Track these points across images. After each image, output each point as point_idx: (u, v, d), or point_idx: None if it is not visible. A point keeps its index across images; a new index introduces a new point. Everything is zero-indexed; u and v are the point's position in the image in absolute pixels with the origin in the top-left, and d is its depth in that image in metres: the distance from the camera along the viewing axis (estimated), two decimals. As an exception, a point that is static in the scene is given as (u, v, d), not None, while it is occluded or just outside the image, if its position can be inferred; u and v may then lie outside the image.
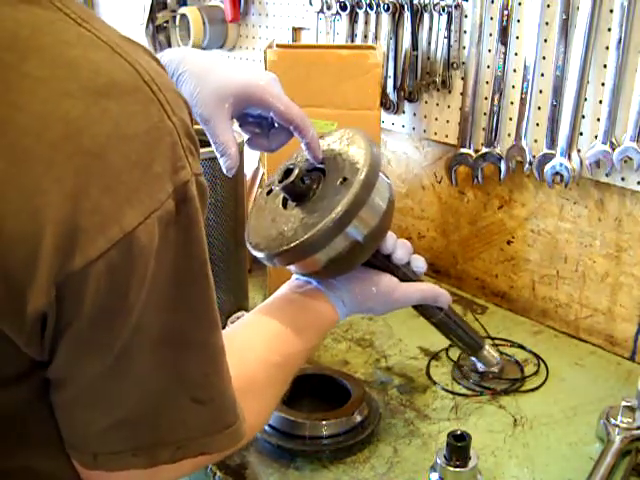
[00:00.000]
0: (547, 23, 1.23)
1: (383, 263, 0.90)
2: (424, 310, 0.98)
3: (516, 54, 1.30)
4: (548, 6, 1.22)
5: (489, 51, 1.33)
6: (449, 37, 1.38)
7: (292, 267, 0.87)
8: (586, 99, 1.20)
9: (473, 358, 1.09)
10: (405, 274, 0.92)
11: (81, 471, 0.58)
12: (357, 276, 0.88)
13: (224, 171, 0.85)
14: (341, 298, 0.87)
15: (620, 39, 1.12)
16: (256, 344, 0.79)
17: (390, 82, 1.49)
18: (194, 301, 0.56)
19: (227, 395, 0.62)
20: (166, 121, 0.51)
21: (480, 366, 1.10)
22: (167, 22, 1.96)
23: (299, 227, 0.81)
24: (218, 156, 0.84)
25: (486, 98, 1.35)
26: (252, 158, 1.57)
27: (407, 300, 0.92)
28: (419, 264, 0.93)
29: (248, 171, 1.54)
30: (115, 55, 0.51)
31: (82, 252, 0.47)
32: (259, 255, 0.85)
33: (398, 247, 0.90)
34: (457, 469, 0.86)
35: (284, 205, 0.87)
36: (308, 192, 0.84)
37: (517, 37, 1.29)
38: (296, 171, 0.83)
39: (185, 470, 0.63)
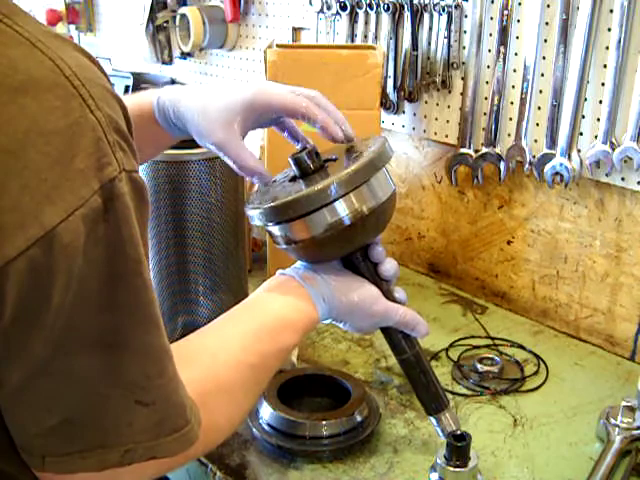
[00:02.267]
0: (547, 23, 1.23)
1: (369, 271, 0.87)
2: (395, 342, 0.91)
3: (516, 54, 1.30)
4: (548, 6, 1.22)
5: (489, 51, 1.33)
6: (449, 37, 1.38)
7: (279, 236, 0.84)
8: (586, 99, 1.20)
9: (430, 418, 0.95)
10: (388, 291, 0.88)
11: (38, 474, 0.58)
12: (341, 276, 0.86)
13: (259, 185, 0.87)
14: (322, 295, 0.83)
15: (620, 39, 1.12)
16: (230, 344, 0.77)
17: (390, 82, 1.49)
18: (130, 301, 0.54)
19: (174, 398, 0.60)
20: (88, 116, 0.50)
21: (437, 429, 0.95)
22: (167, 22, 1.97)
23: (294, 192, 0.81)
24: (247, 178, 0.87)
25: (486, 98, 1.35)
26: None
27: (386, 316, 0.87)
28: (402, 295, 0.90)
29: (248, 171, 1.54)
30: (35, 50, 0.50)
31: (1, 251, 0.46)
32: (250, 213, 0.83)
33: (387, 261, 0.87)
34: (457, 469, 0.86)
35: (292, 180, 0.87)
36: (316, 169, 0.85)
37: (517, 37, 1.29)
38: (309, 147, 0.86)
39: (146, 474, 0.62)
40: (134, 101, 0.88)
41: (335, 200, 0.80)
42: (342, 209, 0.81)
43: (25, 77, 0.49)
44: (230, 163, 0.85)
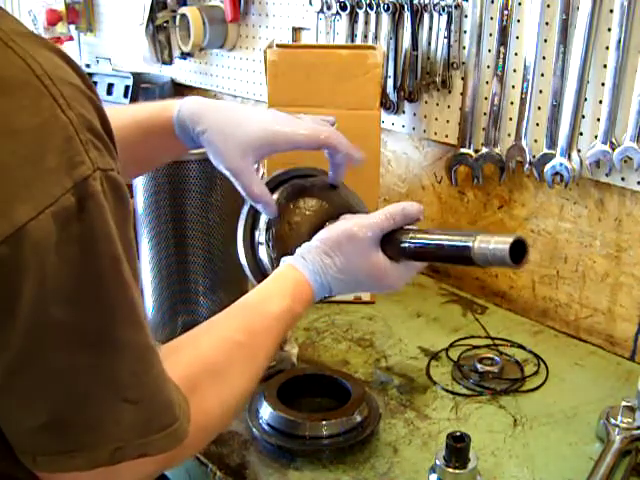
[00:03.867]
0: (547, 23, 1.23)
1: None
2: (394, 244, 0.85)
3: (516, 54, 1.30)
4: (548, 6, 1.22)
5: (489, 51, 1.33)
6: (449, 37, 1.38)
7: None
8: (586, 99, 1.20)
9: (478, 258, 0.77)
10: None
11: (37, 474, 0.58)
12: (321, 231, 0.87)
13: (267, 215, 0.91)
14: (300, 254, 0.84)
15: (620, 39, 1.12)
16: (214, 326, 0.77)
17: (390, 82, 1.49)
18: (108, 299, 0.54)
19: (161, 396, 0.60)
20: (59, 115, 0.51)
21: (492, 256, 0.75)
22: (167, 22, 1.96)
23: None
24: (256, 206, 0.91)
25: (486, 98, 1.35)
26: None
27: (370, 227, 0.84)
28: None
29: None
30: (7, 50, 0.50)
31: None
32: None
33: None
34: (456, 470, 0.86)
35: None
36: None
37: (517, 37, 1.29)
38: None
39: (146, 471, 0.62)
40: (154, 110, 0.91)
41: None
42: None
43: None
44: (240, 189, 0.89)
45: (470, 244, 0.77)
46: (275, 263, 0.92)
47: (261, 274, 0.95)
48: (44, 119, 0.50)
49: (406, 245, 0.85)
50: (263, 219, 0.92)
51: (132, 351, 0.57)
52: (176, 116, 0.90)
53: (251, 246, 0.94)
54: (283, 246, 0.90)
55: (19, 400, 0.54)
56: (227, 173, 0.88)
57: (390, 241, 0.86)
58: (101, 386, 0.56)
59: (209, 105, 0.90)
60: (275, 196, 0.92)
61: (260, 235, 0.93)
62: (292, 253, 0.88)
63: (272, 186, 0.95)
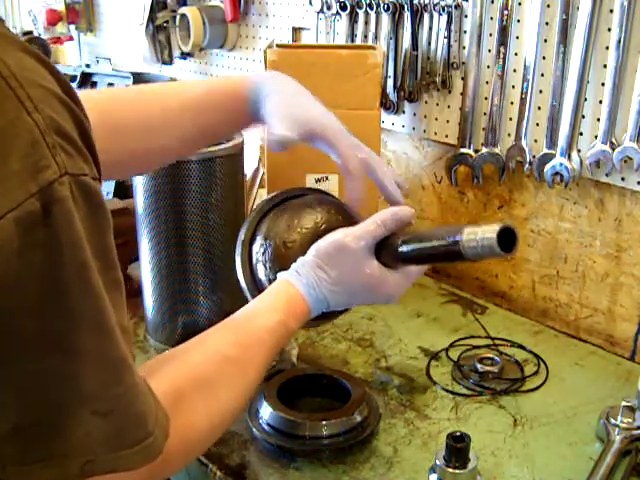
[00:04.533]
0: (547, 23, 1.23)
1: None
2: (387, 249, 0.84)
3: (516, 54, 1.30)
4: (548, 6, 1.22)
5: (489, 51, 1.33)
6: (449, 37, 1.38)
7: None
8: (586, 99, 1.20)
9: (464, 253, 0.76)
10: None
11: None
12: (313, 245, 0.87)
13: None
14: (295, 268, 0.84)
15: (620, 39, 1.12)
16: (203, 340, 0.76)
17: (390, 82, 1.49)
18: (75, 308, 0.53)
19: (133, 409, 0.58)
20: (25, 117, 0.49)
21: (481, 248, 0.74)
22: (167, 22, 1.96)
23: None
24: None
25: (486, 98, 1.35)
26: (252, 158, 1.57)
27: (362, 238, 0.83)
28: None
29: (248, 171, 1.54)
30: None
31: None
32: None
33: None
34: (456, 471, 0.86)
35: None
36: None
37: (517, 37, 1.29)
38: None
39: None
40: (227, 88, 0.94)
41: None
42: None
43: None
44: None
45: (458, 237, 0.76)
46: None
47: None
48: (8, 121, 0.49)
49: (400, 249, 0.83)
50: (259, 241, 0.94)
51: (99, 361, 0.55)
52: (250, 97, 0.93)
53: (250, 267, 0.95)
54: (280, 266, 0.90)
55: None
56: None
57: (384, 248, 0.85)
58: (67, 395, 0.54)
59: (276, 83, 0.95)
60: (268, 222, 0.94)
61: (258, 255, 0.94)
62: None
63: (266, 209, 0.97)
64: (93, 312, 0.54)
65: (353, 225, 0.89)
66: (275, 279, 0.88)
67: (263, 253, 0.93)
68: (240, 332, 0.78)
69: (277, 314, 0.80)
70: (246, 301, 1.16)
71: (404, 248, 0.83)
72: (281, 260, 0.91)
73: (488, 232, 0.73)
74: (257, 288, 0.94)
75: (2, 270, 0.48)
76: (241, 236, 0.96)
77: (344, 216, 0.95)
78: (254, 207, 0.99)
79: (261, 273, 0.93)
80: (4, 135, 0.48)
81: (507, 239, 0.73)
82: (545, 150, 1.26)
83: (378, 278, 0.84)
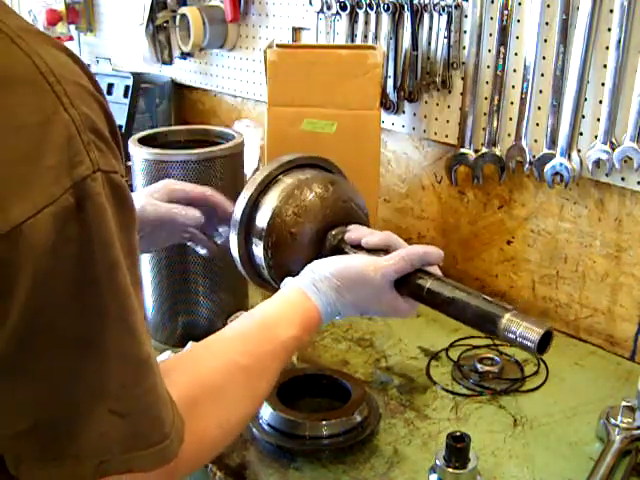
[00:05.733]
0: (547, 23, 1.23)
1: (358, 250, 0.89)
2: (410, 287, 0.83)
3: (516, 54, 1.30)
4: (548, 6, 1.22)
5: (489, 51, 1.33)
6: (449, 37, 1.38)
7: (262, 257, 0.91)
8: (586, 99, 1.20)
9: (507, 334, 0.75)
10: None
11: None
12: (333, 260, 0.86)
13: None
14: (313, 282, 0.83)
15: (620, 39, 1.12)
16: (217, 347, 0.76)
17: (390, 82, 1.49)
18: (102, 306, 0.53)
19: (151, 411, 0.58)
20: (62, 113, 0.50)
21: (521, 340, 0.74)
22: (167, 22, 1.96)
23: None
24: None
25: (486, 98, 1.35)
26: (252, 158, 1.57)
27: (386, 272, 0.82)
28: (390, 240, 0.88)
29: (248, 171, 1.54)
30: (13, 46, 0.50)
31: None
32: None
33: (372, 235, 0.88)
34: (456, 471, 0.86)
35: None
36: None
37: (517, 37, 1.29)
38: None
39: None
40: None
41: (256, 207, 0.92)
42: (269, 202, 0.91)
43: (3, 72, 0.49)
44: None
45: (497, 322, 0.76)
46: (274, 271, 0.91)
47: (254, 271, 0.95)
48: (46, 117, 0.49)
49: (424, 293, 0.83)
50: (263, 221, 0.91)
51: (121, 361, 0.56)
52: None
53: (245, 240, 0.93)
54: (282, 255, 0.89)
55: (5, 402, 0.53)
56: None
57: (407, 283, 0.84)
58: (87, 394, 0.54)
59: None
60: (275, 203, 0.91)
61: (257, 236, 0.92)
62: (292, 264, 0.88)
63: (274, 175, 0.93)
64: (121, 311, 0.55)
65: (360, 219, 0.90)
66: (275, 267, 0.88)
67: (267, 236, 0.90)
68: (254, 342, 0.77)
69: (293, 328, 0.80)
70: (244, 301, 1.16)
71: (428, 294, 0.83)
72: (284, 249, 0.90)
73: (531, 334, 0.74)
74: (251, 262, 0.93)
75: (36, 265, 0.49)
76: (241, 206, 0.93)
77: (351, 207, 0.93)
78: (258, 170, 0.97)
79: (258, 252, 0.91)
80: (42, 130, 0.49)
81: (543, 339, 0.74)
82: (545, 150, 1.26)
83: (393, 307, 0.86)
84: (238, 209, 0.92)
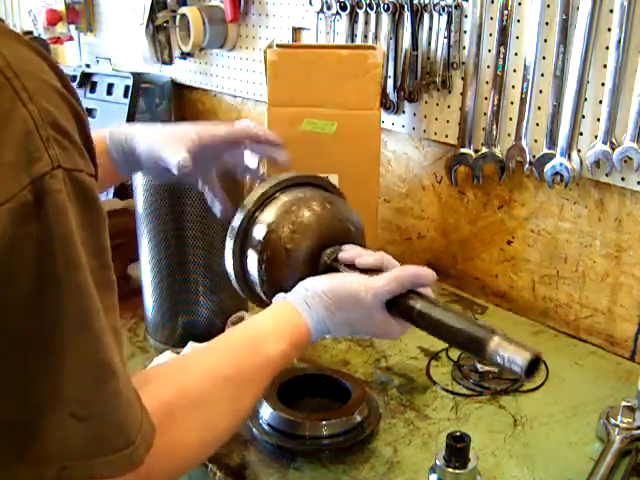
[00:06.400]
0: (547, 23, 1.23)
1: (350, 269, 0.87)
2: (401, 309, 0.83)
3: (516, 54, 1.30)
4: (548, 6, 1.22)
5: (489, 51, 1.33)
6: (449, 37, 1.38)
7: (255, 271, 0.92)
8: (586, 99, 1.20)
9: (496, 359, 0.76)
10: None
11: None
12: (325, 278, 0.84)
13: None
14: (304, 299, 0.82)
15: (620, 39, 1.12)
16: (203, 357, 0.75)
17: (390, 82, 1.49)
18: (62, 307, 0.52)
19: (114, 416, 0.57)
20: (20, 109, 0.49)
21: (509, 366, 0.75)
22: (167, 22, 1.96)
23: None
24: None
25: (486, 98, 1.35)
26: (252, 158, 1.57)
27: (377, 292, 0.80)
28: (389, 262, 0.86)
29: (248, 171, 1.54)
30: None
31: None
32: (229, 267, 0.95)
33: (365, 255, 0.86)
34: (456, 471, 0.86)
35: None
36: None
37: (517, 37, 1.29)
38: None
39: None
40: None
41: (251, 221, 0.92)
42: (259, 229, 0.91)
43: None
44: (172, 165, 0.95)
45: (485, 345, 0.76)
46: (267, 287, 0.91)
47: (247, 286, 0.96)
48: (3, 112, 0.48)
49: (415, 315, 0.82)
50: (259, 235, 0.91)
51: (82, 364, 0.54)
52: (109, 135, 0.97)
53: (240, 255, 0.93)
54: (276, 270, 0.90)
55: None
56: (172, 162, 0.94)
57: (398, 305, 0.83)
58: (46, 396, 0.53)
59: (138, 126, 1.02)
60: (271, 218, 0.91)
61: (252, 251, 0.92)
62: (285, 280, 0.88)
63: (270, 194, 0.94)
64: (81, 313, 0.53)
65: (355, 239, 0.91)
66: (269, 282, 0.88)
67: (261, 251, 0.91)
68: (241, 355, 0.76)
69: (282, 343, 0.79)
70: (244, 301, 1.16)
71: (418, 317, 0.82)
72: (278, 265, 0.90)
73: (519, 359, 0.74)
74: (244, 276, 0.94)
75: None
76: (237, 221, 0.93)
77: (347, 226, 0.93)
78: (256, 186, 0.96)
79: (252, 266, 0.92)
80: None
81: (532, 364, 0.74)
82: (545, 150, 1.26)
83: (384, 328, 0.84)
84: (235, 223, 0.93)
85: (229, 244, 0.93)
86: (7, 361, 0.51)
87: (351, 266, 0.87)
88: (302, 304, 0.82)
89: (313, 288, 0.83)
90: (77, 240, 0.52)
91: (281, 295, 0.86)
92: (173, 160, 0.94)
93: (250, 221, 0.93)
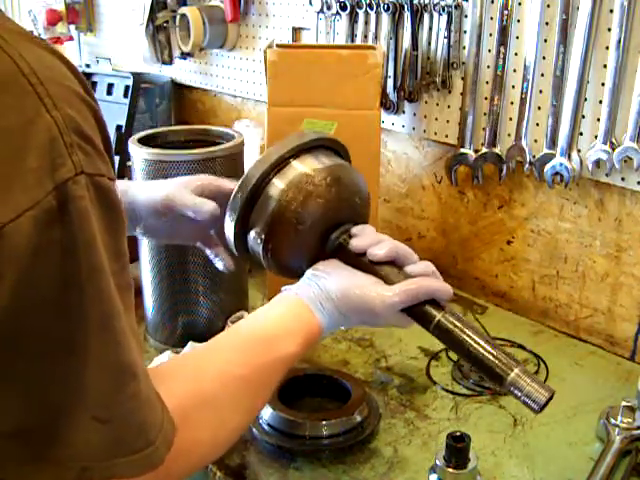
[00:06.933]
0: (547, 23, 1.23)
1: (359, 261, 0.83)
2: (419, 316, 0.81)
3: (516, 54, 1.30)
4: (548, 6, 1.22)
5: (489, 51, 1.33)
6: (449, 37, 1.38)
7: (254, 248, 0.85)
8: (586, 99, 1.20)
9: (512, 390, 0.76)
10: (393, 275, 0.81)
11: None
12: (338, 276, 0.82)
13: None
14: (318, 300, 0.80)
15: (620, 39, 1.12)
16: (216, 356, 0.75)
17: (390, 82, 1.49)
18: (85, 311, 0.52)
19: (135, 417, 0.58)
20: (44, 115, 0.49)
21: (525, 401, 0.76)
22: (167, 22, 1.96)
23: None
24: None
25: (486, 98, 1.35)
26: (252, 158, 1.57)
27: (392, 304, 0.78)
28: (416, 268, 0.81)
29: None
30: None
31: None
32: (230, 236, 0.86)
33: (377, 245, 0.82)
34: (456, 471, 0.86)
35: None
36: None
37: (517, 37, 1.29)
38: None
39: None
40: None
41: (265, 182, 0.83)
42: (275, 189, 0.82)
43: None
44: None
45: (505, 377, 0.76)
46: (271, 262, 0.86)
47: (245, 251, 0.88)
48: (28, 118, 0.49)
49: (431, 328, 0.80)
50: (268, 209, 0.83)
51: (104, 367, 0.55)
52: None
53: (244, 221, 0.85)
54: (284, 247, 0.85)
55: None
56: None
57: (413, 313, 0.81)
58: (69, 399, 0.54)
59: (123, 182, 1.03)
60: (281, 184, 0.83)
61: (258, 225, 0.84)
62: (293, 258, 0.85)
63: (289, 155, 0.85)
64: (103, 316, 0.54)
65: (362, 218, 0.87)
66: (274, 258, 0.84)
67: (269, 225, 0.83)
68: (256, 353, 0.76)
69: (295, 345, 0.78)
70: (245, 301, 1.14)
71: (435, 329, 0.80)
72: (285, 241, 0.84)
73: (537, 396, 0.75)
74: (244, 245, 0.87)
75: (18, 269, 0.48)
76: (249, 184, 0.83)
77: (357, 204, 0.88)
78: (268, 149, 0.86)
79: (254, 241, 0.85)
80: (23, 132, 0.48)
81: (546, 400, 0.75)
82: (545, 150, 1.26)
83: (396, 323, 0.83)
84: (246, 185, 0.84)
85: (232, 213, 0.86)
86: (31, 364, 0.52)
87: (362, 255, 0.83)
88: (316, 304, 0.81)
89: (326, 288, 0.81)
90: (100, 245, 0.52)
91: (291, 289, 0.83)
92: (205, 207, 0.95)
93: (259, 189, 0.84)
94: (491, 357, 0.77)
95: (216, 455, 0.73)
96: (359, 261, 0.83)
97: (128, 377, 0.57)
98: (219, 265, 1.03)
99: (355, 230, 0.85)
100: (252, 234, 0.85)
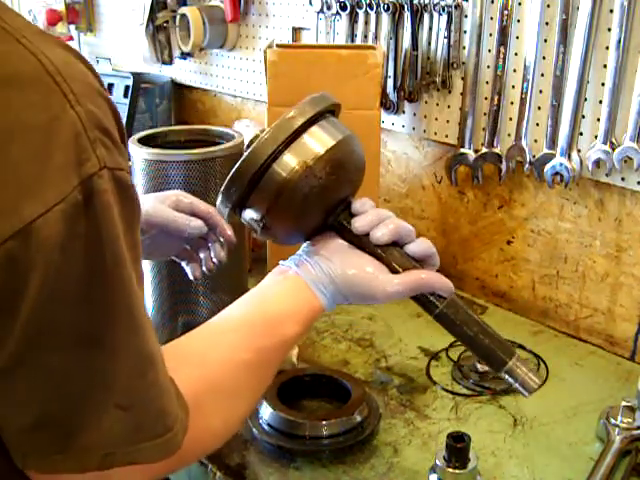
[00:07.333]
0: (547, 23, 1.23)
1: (363, 242, 0.82)
2: (421, 303, 0.82)
3: (516, 54, 1.30)
4: (548, 6, 1.22)
5: (489, 51, 1.33)
6: (449, 37, 1.38)
7: (252, 219, 0.81)
8: (586, 99, 1.20)
9: (507, 377, 0.81)
10: (394, 259, 0.82)
11: (27, 473, 0.57)
12: (338, 254, 0.81)
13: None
14: (320, 281, 0.79)
15: (620, 39, 1.12)
16: (222, 341, 0.76)
17: (390, 82, 1.49)
18: (110, 302, 0.54)
19: (155, 404, 0.59)
20: (69, 111, 0.50)
21: (517, 387, 0.81)
22: (167, 22, 1.96)
23: None
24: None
25: (486, 98, 1.35)
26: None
27: (394, 294, 0.79)
28: (421, 248, 0.84)
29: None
30: (19, 46, 0.51)
31: None
32: (221, 208, 0.82)
33: (379, 227, 0.82)
34: (456, 470, 0.86)
35: None
36: None
37: (517, 37, 1.29)
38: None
39: (137, 477, 0.61)
40: None
41: (276, 155, 0.78)
42: (285, 164, 0.78)
43: (12, 71, 0.49)
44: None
45: (502, 365, 0.80)
46: (267, 235, 0.83)
47: (236, 212, 0.84)
48: (53, 115, 0.50)
49: (432, 315, 0.82)
50: (274, 182, 0.78)
51: (128, 355, 0.56)
52: None
53: (247, 191, 0.80)
54: (286, 223, 0.81)
55: (11, 398, 0.54)
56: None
57: (417, 299, 0.82)
58: (94, 389, 0.55)
59: None
60: (291, 156, 0.79)
61: (258, 203, 0.80)
62: (292, 233, 0.83)
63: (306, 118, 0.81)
64: (128, 307, 0.55)
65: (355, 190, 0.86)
66: (272, 227, 0.81)
67: (276, 196, 0.79)
68: (259, 337, 0.77)
69: (297, 326, 0.79)
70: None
71: (436, 318, 0.82)
72: (290, 216, 0.81)
73: (531, 383, 0.80)
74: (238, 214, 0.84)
75: (46, 262, 0.49)
76: (263, 154, 0.78)
77: (357, 173, 0.86)
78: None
79: (250, 213, 0.81)
80: (50, 129, 0.49)
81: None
82: (545, 150, 1.26)
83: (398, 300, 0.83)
84: (259, 155, 0.79)
85: (238, 184, 0.80)
86: (58, 357, 0.53)
87: (365, 235, 0.82)
88: (318, 286, 0.80)
89: (329, 272, 0.80)
90: (122, 237, 0.54)
91: (290, 266, 0.82)
92: (193, 223, 0.99)
93: (269, 158, 0.79)
94: (490, 346, 0.81)
95: (225, 439, 0.74)
96: (361, 240, 0.83)
97: (148, 365, 0.58)
98: (194, 275, 1.06)
99: (356, 206, 0.84)
100: (250, 211, 0.82)
